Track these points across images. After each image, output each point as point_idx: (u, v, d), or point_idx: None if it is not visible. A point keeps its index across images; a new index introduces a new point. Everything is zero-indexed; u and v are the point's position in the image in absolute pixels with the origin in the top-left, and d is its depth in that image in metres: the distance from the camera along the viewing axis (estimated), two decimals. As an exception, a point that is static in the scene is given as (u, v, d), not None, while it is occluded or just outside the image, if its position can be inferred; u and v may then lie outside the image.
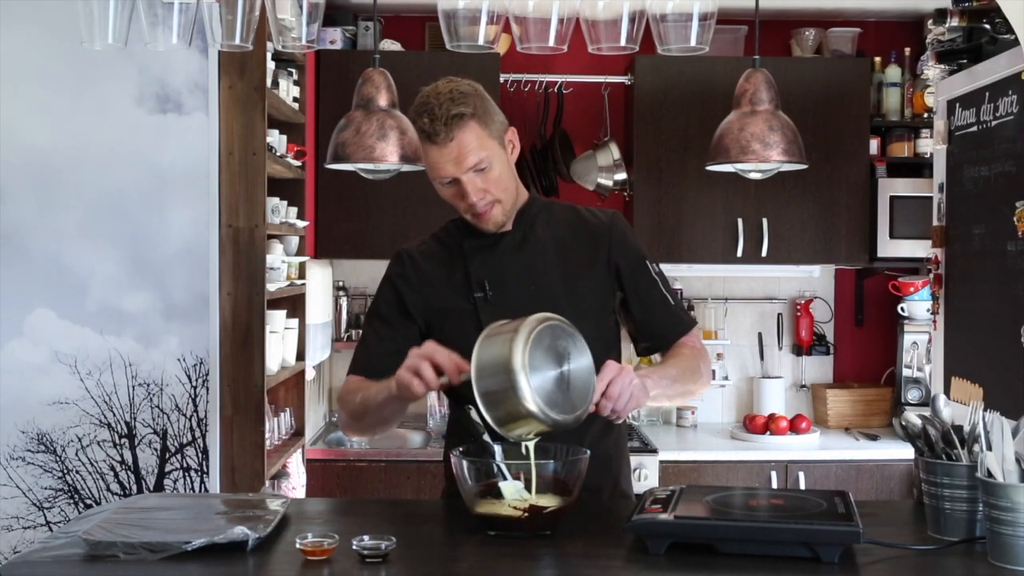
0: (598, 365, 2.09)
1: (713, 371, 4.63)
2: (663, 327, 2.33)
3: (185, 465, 3.35)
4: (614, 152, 4.54)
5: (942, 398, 1.99)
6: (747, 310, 4.86)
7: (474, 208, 2.21)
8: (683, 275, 4.70)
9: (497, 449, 1.97)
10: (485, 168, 2.18)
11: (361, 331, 2.40)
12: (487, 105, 2.21)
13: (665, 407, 4.76)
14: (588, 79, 4.63)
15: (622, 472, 2.35)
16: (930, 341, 3.88)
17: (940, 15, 3.42)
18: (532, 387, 1.88)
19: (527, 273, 2.25)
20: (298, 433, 3.91)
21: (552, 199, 2.50)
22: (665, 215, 4.45)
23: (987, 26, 3.26)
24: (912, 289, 4.52)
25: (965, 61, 3.44)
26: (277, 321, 3.58)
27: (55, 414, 3.34)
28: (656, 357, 2.44)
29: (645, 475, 4.08)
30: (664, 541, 1.77)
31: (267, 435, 3.38)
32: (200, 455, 3.34)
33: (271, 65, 3.46)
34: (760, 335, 4.83)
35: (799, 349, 4.80)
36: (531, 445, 1.96)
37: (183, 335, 3.34)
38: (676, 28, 2.23)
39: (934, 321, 3.66)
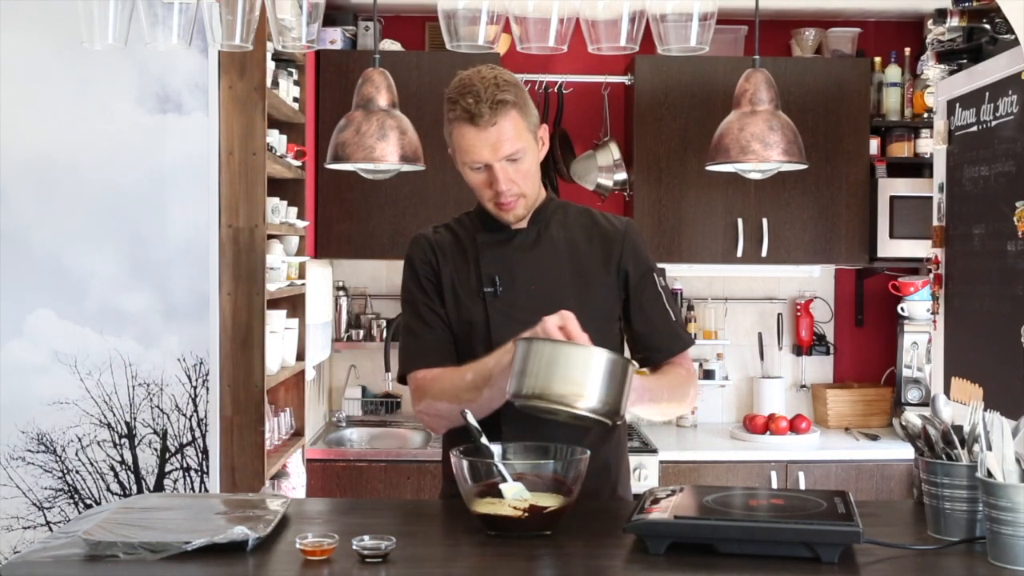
0: None
1: (713, 371, 4.70)
2: (660, 341, 2.31)
3: (185, 465, 3.35)
4: (614, 152, 4.54)
5: (942, 398, 1.99)
6: (747, 310, 4.86)
7: (501, 197, 2.18)
8: (683, 275, 4.70)
9: (496, 451, 1.97)
10: (518, 159, 2.16)
11: (404, 324, 2.30)
12: (526, 98, 2.19)
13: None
14: (588, 79, 4.63)
15: (620, 478, 2.34)
16: (930, 341, 3.88)
17: (940, 15, 3.42)
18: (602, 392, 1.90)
19: (538, 272, 2.24)
20: (298, 433, 3.91)
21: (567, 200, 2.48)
22: (665, 215, 4.45)
23: (987, 26, 3.26)
24: (912, 289, 4.52)
25: (965, 61, 3.44)
26: (277, 321, 3.58)
27: (55, 414, 3.34)
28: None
29: (645, 475, 4.08)
30: (664, 541, 1.77)
31: (267, 435, 3.38)
32: (200, 455, 3.34)
33: (271, 65, 3.46)
34: (760, 335, 4.83)
35: (799, 349, 4.80)
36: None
37: (183, 335, 3.34)
38: (676, 28, 2.24)
39: (934, 321, 3.66)
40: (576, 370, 1.90)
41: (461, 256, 2.28)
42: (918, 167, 4.54)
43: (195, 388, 3.34)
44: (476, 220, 2.30)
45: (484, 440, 1.97)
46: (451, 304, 2.26)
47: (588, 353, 1.92)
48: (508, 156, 2.15)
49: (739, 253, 4.43)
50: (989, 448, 1.75)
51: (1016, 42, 2.89)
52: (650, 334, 2.30)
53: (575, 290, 2.23)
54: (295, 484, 3.82)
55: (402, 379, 2.32)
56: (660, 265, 2.41)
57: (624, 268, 2.28)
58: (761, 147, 2.27)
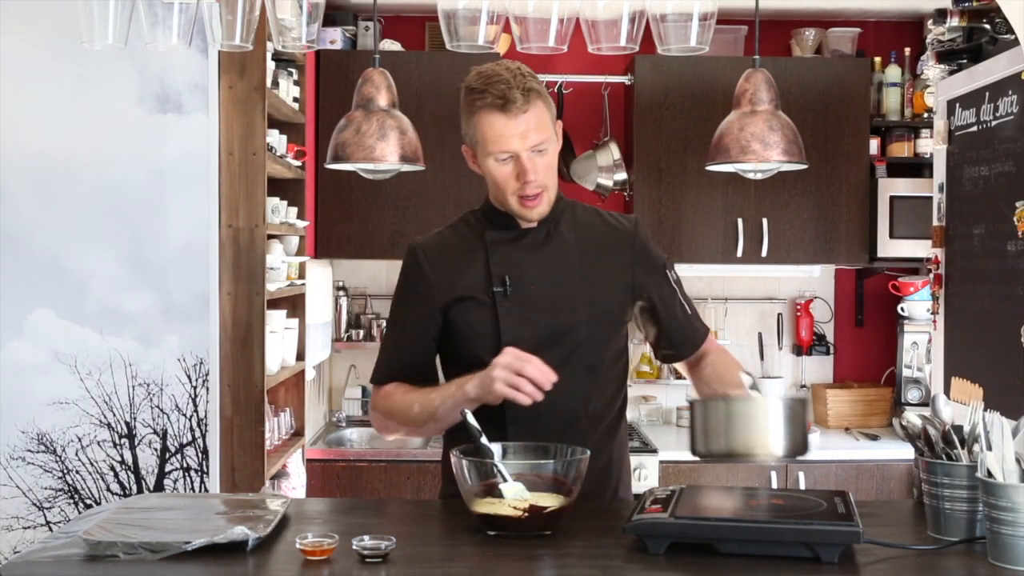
0: (609, 372, 2.18)
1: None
2: (683, 336, 2.35)
3: (185, 465, 3.35)
4: (614, 152, 4.54)
5: (942, 398, 1.99)
6: (747, 310, 4.86)
7: (527, 188, 2.14)
8: (683, 275, 4.66)
9: (496, 451, 1.97)
10: (544, 150, 2.14)
11: (384, 336, 2.35)
12: (546, 90, 2.19)
13: (664, 407, 4.78)
14: (588, 79, 4.63)
15: (622, 479, 2.34)
16: (930, 341, 3.88)
17: (940, 15, 3.42)
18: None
19: (548, 271, 2.22)
20: (298, 433, 3.91)
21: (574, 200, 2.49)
22: (665, 215, 4.45)
23: (987, 26, 3.26)
24: (912, 289, 4.52)
25: (965, 61, 3.44)
26: (277, 321, 3.58)
27: (55, 414, 3.34)
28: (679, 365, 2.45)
29: (645, 475, 4.08)
30: (664, 541, 1.77)
31: (267, 435, 3.38)
32: (200, 455, 3.34)
33: (271, 65, 3.46)
34: (760, 335, 4.83)
35: (799, 349, 4.80)
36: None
37: (183, 335, 3.34)
38: (676, 28, 2.24)
39: (934, 321, 3.66)
40: (757, 423, 1.96)
41: (468, 256, 2.24)
42: (918, 167, 4.54)
43: (195, 388, 3.34)
44: (483, 218, 2.27)
45: (484, 440, 1.97)
46: (457, 306, 2.23)
47: (763, 406, 1.99)
48: (535, 146, 2.12)
49: (739, 253, 4.43)
50: (989, 448, 1.75)
51: (1016, 42, 2.89)
52: (673, 330, 2.32)
53: (584, 289, 2.22)
54: (295, 484, 3.82)
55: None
56: (677, 272, 2.45)
57: (638, 270, 2.28)
58: (761, 147, 2.27)
